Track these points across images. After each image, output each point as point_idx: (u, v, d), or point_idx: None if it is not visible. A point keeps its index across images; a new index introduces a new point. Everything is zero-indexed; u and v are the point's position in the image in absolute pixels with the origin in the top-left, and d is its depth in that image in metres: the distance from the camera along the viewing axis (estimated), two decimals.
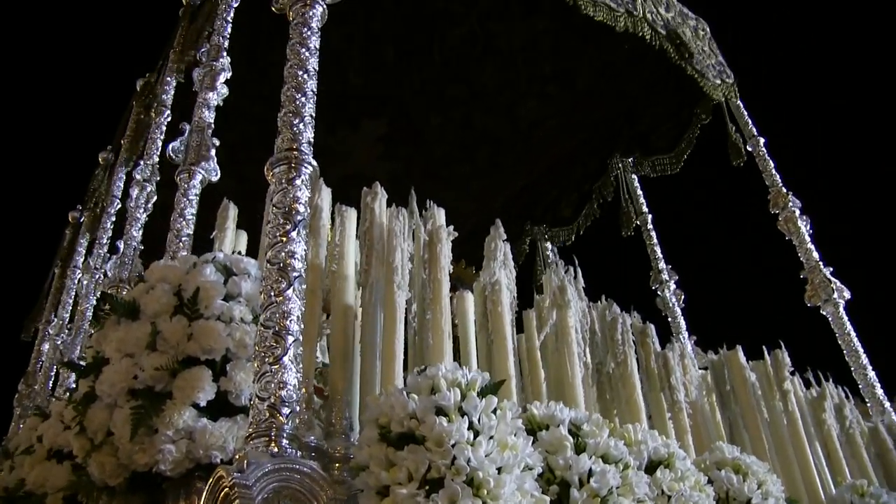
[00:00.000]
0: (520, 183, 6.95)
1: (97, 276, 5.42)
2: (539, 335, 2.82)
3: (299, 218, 2.28)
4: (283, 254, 2.18)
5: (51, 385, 5.77)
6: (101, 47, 10.52)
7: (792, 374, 3.85)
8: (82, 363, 2.60)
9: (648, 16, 5.12)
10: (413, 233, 2.89)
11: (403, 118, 6.35)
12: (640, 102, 6.27)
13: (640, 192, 6.53)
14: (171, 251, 3.42)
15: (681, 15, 5.66)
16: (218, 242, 4.11)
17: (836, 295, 4.80)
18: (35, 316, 6.84)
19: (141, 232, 4.49)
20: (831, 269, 4.93)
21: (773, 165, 5.47)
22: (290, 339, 2.02)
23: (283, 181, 2.35)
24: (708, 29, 5.92)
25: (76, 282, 6.20)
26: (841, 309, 4.78)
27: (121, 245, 4.48)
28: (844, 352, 4.64)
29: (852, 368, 4.58)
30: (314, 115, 2.59)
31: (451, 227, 2.75)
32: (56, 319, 6.10)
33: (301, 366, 2.04)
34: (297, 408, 1.97)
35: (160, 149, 4.88)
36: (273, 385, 1.94)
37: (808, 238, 5.11)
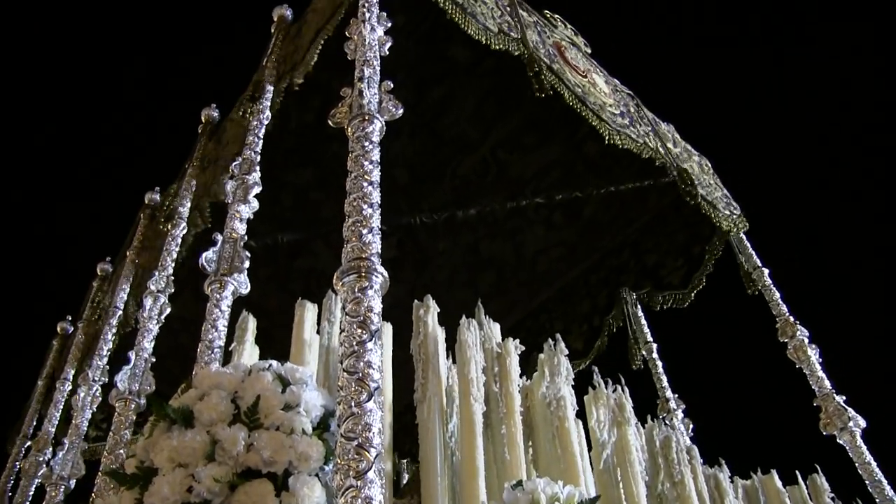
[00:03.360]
0: (523, 311, 6.93)
1: (94, 390, 5.23)
2: (602, 453, 2.73)
3: (374, 327, 2.24)
4: (361, 363, 2.12)
5: None
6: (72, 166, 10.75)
7: (832, 500, 3.74)
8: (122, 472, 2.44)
9: (661, 150, 5.32)
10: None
11: (412, 242, 6.41)
12: (646, 236, 6.41)
13: (643, 321, 6.55)
14: (203, 362, 3.31)
15: (686, 151, 5.91)
16: (237, 355, 4.03)
17: (851, 423, 4.75)
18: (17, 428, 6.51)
19: (153, 343, 4.41)
20: (844, 397, 4.91)
21: (778, 295, 5.54)
22: (374, 452, 1.94)
23: (356, 290, 2.32)
24: (710, 165, 6.18)
25: (65, 395, 5.95)
26: (858, 437, 4.70)
27: (131, 356, 4.35)
28: (867, 483, 4.51)
29: (877, 500, 4.42)
30: (380, 227, 2.60)
31: (518, 341, 2.72)
32: (41, 434, 5.80)
33: (384, 481, 1.95)
34: None
35: (175, 260, 4.88)
36: (360, 501, 1.84)
37: (818, 367, 5.10)
